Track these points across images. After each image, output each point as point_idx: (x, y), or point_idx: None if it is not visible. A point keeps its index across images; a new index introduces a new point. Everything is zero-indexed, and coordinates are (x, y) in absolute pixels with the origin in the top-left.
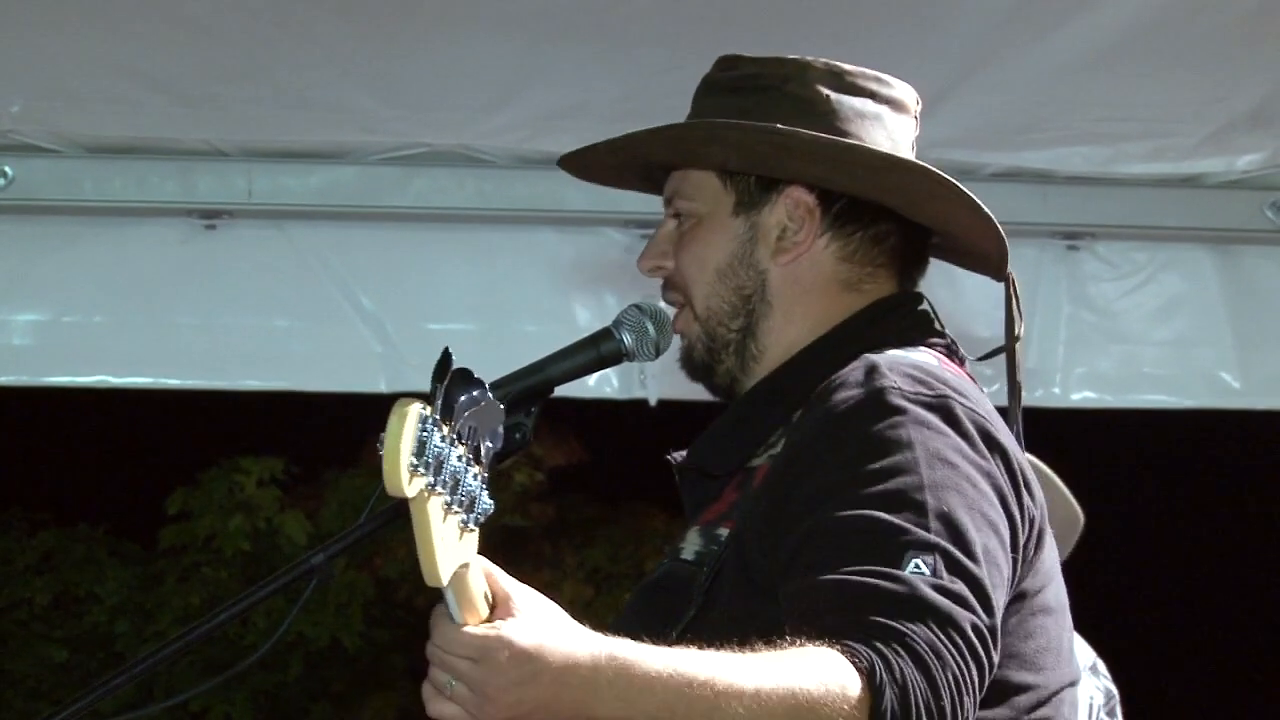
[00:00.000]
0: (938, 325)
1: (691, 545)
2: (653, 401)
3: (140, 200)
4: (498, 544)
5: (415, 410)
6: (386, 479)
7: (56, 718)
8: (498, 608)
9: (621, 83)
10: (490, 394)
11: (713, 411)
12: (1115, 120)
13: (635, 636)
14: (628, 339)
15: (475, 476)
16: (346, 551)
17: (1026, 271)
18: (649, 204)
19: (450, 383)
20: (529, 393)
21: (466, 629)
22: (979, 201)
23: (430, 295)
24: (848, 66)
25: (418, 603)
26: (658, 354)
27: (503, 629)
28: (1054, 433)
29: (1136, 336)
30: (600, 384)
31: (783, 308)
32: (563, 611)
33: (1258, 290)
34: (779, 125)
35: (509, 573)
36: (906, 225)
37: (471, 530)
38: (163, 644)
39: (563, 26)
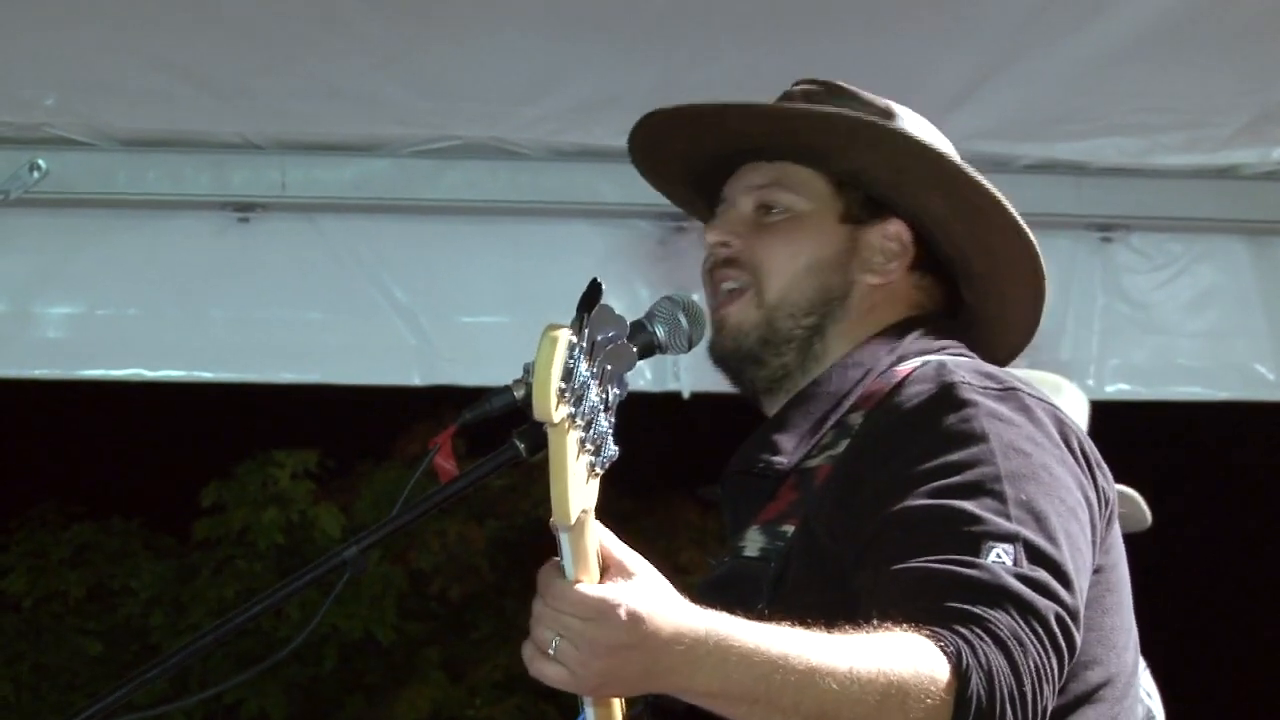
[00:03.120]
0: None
1: (754, 543)
2: (686, 394)
3: (174, 193)
4: (530, 537)
5: (566, 337)
6: (536, 402)
7: (92, 710)
8: (611, 569)
9: (654, 75)
10: (625, 336)
11: (749, 403)
12: (1150, 111)
13: None
14: (660, 331)
15: (606, 420)
16: (380, 544)
17: (1061, 263)
18: None
19: (595, 316)
20: None
21: (581, 586)
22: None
23: (464, 288)
24: (929, 123)
25: (451, 595)
26: (690, 346)
27: (619, 590)
28: (1089, 425)
29: (1171, 328)
30: (633, 377)
31: (856, 317)
32: (668, 583)
33: None
34: (948, 152)
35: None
36: (956, 291)
37: (596, 475)
38: (197, 636)
39: (595, 18)
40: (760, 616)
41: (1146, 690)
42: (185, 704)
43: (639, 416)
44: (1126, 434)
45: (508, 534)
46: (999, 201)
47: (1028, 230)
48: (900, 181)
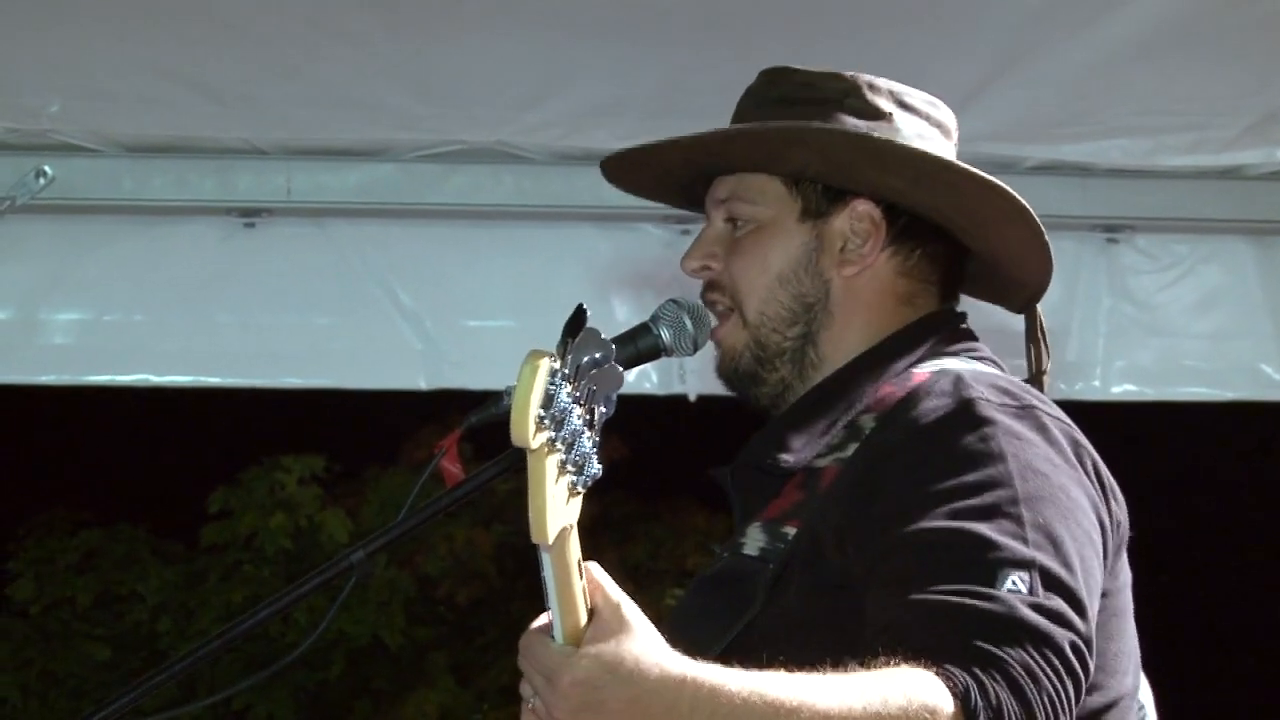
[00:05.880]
0: (980, 342)
1: (755, 541)
2: (692, 397)
3: (180, 199)
4: None
5: (547, 363)
6: (513, 428)
7: (100, 715)
8: (599, 616)
9: (658, 79)
10: (614, 359)
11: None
12: (1154, 112)
13: (695, 630)
14: (665, 334)
15: (589, 439)
16: (387, 548)
17: (1066, 264)
18: None
19: (580, 341)
20: None
21: (548, 648)
22: (1044, 229)
23: (469, 292)
24: (901, 85)
25: (459, 600)
26: (695, 349)
27: (575, 655)
28: (1094, 426)
29: (1177, 329)
30: (640, 380)
31: (843, 317)
32: (652, 630)
33: None
34: (871, 134)
35: None
36: (955, 245)
37: (578, 493)
38: (204, 641)
39: (599, 22)
40: (755, 619)
41: (1140, 701)
42: (193, 709)
43: (645, 420)
44: (1133, 435)
45: (514, 539)
46: (950, 164)
47: (991, 178)
48: (844, 169)
